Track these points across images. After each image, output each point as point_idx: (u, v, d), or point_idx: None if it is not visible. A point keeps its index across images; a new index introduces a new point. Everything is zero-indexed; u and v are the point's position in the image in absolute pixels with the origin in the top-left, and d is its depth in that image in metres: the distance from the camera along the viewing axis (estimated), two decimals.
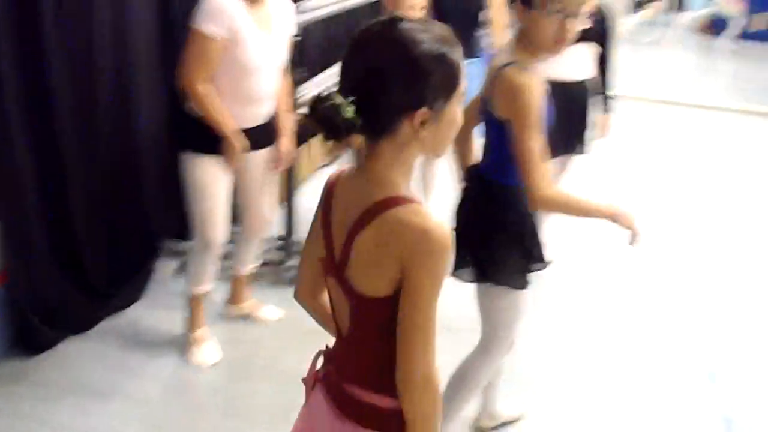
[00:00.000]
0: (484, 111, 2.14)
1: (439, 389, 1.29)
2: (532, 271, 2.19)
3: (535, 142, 1.98)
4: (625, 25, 8.57)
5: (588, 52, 3.49)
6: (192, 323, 3.02)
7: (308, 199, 4.37)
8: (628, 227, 2.07)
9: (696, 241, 4.56)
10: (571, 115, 3.41)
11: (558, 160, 3.39)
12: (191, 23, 2.55)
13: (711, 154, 6.51)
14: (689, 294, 3.88)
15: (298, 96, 3.44)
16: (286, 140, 2.93)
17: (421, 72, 1.20)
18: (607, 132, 3.88)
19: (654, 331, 3.50)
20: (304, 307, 1.54)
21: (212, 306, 3.20)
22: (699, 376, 3.16)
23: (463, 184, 2.31)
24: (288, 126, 2.93)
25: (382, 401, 1.33)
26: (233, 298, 3.29)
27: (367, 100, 1.19)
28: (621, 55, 7.83)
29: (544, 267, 2.20)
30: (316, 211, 1.41)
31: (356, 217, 1.26)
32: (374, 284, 1.26)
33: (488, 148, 2.18)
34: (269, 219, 3.11)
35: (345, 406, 1.39)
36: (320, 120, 1.19)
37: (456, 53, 1.24)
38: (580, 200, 2.07)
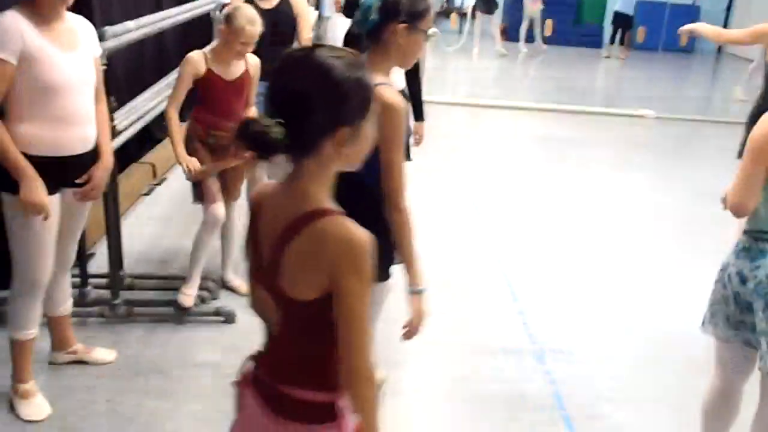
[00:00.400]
0: None
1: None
2: (394, 263, 2.30)
3: (401, 156, 2.16)
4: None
5: None
6: (18, 375, 2.79)
7: (132, 230, 4.21)
8: (418, 305, 2.23)
9: (514, 224, 4.92)
10: None
11: None
12: None
13: (520, 150, 7.03)
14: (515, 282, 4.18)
15: (115, 124, 3.32)
16: (101, 168, 2.77)
17: (341, 95, 1.34)
18: (422, 138, 4.10)
19: (485, 317, 3.73)
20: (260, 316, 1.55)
21: (38, 355, 2.98)
22: (528, 357, 3.42)
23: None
24: (105, 153, 2.79)
25: (317, 396, 1.45)
26: (58, 344, 3.08)
27: (294, 122, 1.32)
28: (429, 63, 8.27)
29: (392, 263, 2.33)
30: (247, 226, 1.52)
31: (285, 228, 1.38)
32: (303, 289, 1.38)
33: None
34: (73, 255, 2.96)
35: (281, 406, 1.47)
36: (251, 141, 1.32)
37: (368, 76, 1.39)
38: (412, 236, 2.20)
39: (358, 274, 1.35)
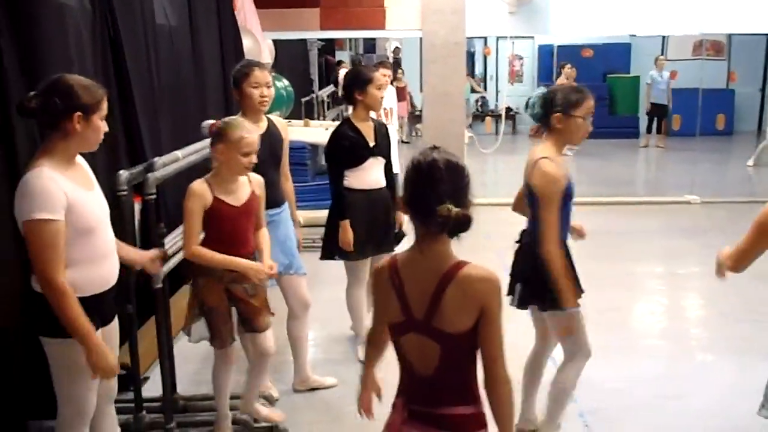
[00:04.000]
0: (526, 183, 3.06)
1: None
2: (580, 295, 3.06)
3: (552, 214, 2.91)
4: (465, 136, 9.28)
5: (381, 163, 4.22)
6: None
7: (184, 351, 4.24)
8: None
9: None
10: (375, 218, 4.14)
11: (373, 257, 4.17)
12: (25, 216, 2.41)
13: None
14: None
15: (166, 249, 3.42)
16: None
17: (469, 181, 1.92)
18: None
19: None
20: (369, 351, 2.24)
21: None
22: None
23: (518, 243, 3.20)
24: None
25: (469, 410, 1.91)
26: None
27: (460, 204, 1.83)
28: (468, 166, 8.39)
29: (582, 291, 3.10)
30: (380, 291, 1.99)
31: (438, 283, 1.85)
32: (461, 322, 1.85)
33: (532, 216, 3.07)
34: (115, 385, 2.94)
35: (440, 424, 1.89)
36: (457, 225, 1.80)
37: None
38: (560, 267, 2.94)
39: (499, 302, 1.86)
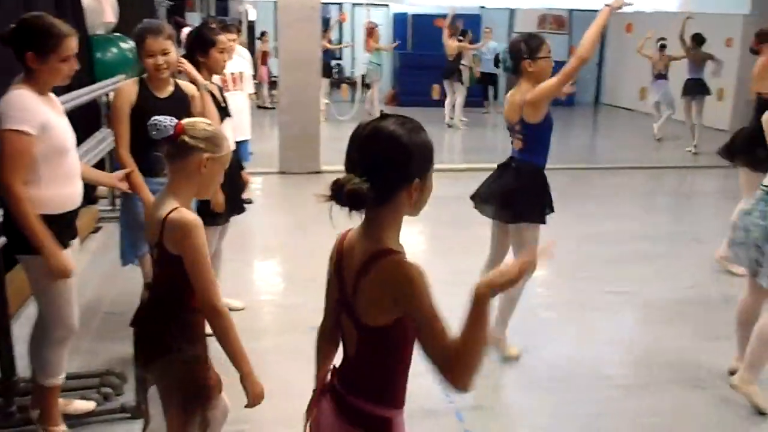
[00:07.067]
0: (519, 120, 3.72)
1: None
2: (547, 213, 3.78)
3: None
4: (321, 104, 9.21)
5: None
6: (52, 419, 3.03)
7: (24, 331, 3.96)
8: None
9: None
10: (230, 181, 3.65)
11: None
12: (1, 127, 2.62)
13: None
14: None
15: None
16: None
17: (409, 155, 1.61)
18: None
19: None
20: (319, 345, 1.92)
21: None
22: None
23: (499, 165, 3.90)
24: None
25: (376, 410, 1.73)
26: None
27: (376, 179, 1.57)
28: (324, 133, 8.37)
29: (552, 211, 3.80)
30: (330, 264, 1.81)
31: (360, 265, 1.66)
32: (375, 316, 1.66)
33: (524, 142, 3.81)
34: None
35: (347, 414, 1.75)
36: (346, 198, 1.57)
37: (427, 137, 1.67)
38: None
39: (422, 296, 1.57)
